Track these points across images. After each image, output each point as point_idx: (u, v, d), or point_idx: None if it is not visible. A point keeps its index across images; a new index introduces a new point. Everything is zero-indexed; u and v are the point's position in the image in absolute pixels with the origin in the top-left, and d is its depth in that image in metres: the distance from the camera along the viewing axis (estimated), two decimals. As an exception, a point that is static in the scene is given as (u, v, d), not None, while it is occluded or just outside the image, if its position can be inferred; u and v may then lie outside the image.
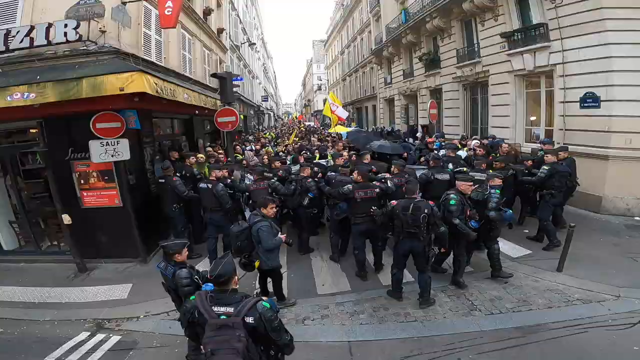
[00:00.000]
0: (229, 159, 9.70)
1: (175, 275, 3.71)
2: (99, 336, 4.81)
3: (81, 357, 4.39)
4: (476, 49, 12.74)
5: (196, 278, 3.76)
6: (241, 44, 24.40)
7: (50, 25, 5.99)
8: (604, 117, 8.10)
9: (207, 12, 13.95)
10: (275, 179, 6.89)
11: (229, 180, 6.73)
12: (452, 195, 4.92)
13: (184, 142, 10.45)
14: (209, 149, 10.52)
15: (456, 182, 5.17)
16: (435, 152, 9.37)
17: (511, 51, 10.72)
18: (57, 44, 6.01)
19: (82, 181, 6.36)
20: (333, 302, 5.29)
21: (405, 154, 9.47)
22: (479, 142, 9.66)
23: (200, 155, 8.50)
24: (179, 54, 10.49)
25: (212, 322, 2.36)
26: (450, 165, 7.42)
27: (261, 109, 35.93)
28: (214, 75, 9.72)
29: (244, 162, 8.01)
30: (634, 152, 7.78)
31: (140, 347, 4.57)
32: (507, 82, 11.13)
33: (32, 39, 5.97)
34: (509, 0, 10.90)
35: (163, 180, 6.63)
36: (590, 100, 8.32)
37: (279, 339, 2.51)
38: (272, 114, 53.59)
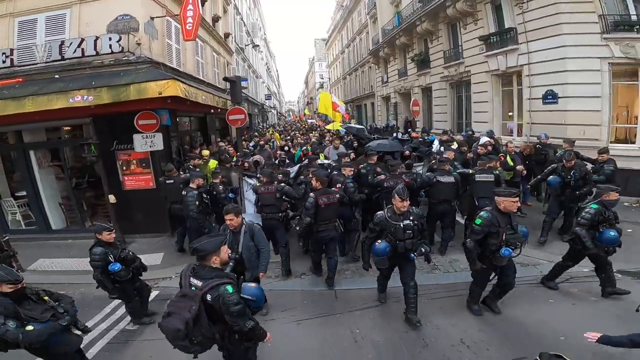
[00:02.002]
0: (237, 152, 10.96)
1: (91, 251, 4.26)
2: None
3: None
4: (460, 51, 14.07)
5: (110, 258, 4.28)
6: (245, 45, 25.72)
7: (97, 38, 7.46)
8: (561, 111, 9.45)
9: (216, 19, 15.30)
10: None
11: (221, 187, 6.83)
12: (483, 214, 4.08)
13: (199, 137, 11.88)
14: (221, 143, 11.88)
15: (495, 197, 4.10)
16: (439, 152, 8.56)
17: (488, 53, 12.06)
18: (103, 54, 7.46)
19: (124, 168, 7.81)
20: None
21: (408, 152, 8.97)
22: (487, 139, 8.99)
23: (205, 153, 8.83)
24: (194, 59, 11.89)
25: (181, 290, 2.69)
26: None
27: (265, 107, 37.20)
28: (225, 79, 11.09)
29: (246, 164, 7.93)
30: (587, 142, 9.00)
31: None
32: (486, 81, 12.48)
33: (83, 50, 7.44)
34: (486, 6, 12.23)
35: (172, 181, 7.04)
36: (550, 97, 9.66)
37: (235, 323, 2.60)
38: (275, 111, 54.81)
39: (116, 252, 4.37)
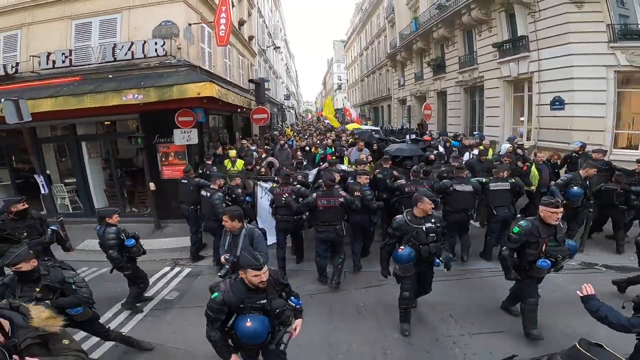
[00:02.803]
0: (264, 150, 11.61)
1: (104, 232, 4.70)
2: (177, 269, 6.90)
3: (168, 280, 6.44)
4: (474, 57, 14.64)
5: (122, 236, 4.76)
6: (267, 47, 26.67)
7: (145, 42, 8.41)
8: (568, 117, 9.98)
9: (241, 22, 16.22)
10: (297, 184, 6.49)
11: (240, 190, 6.68)
12: (522, 222, 3.93)
13: (225, 134, 12.81)
14: (244, 141, 12.71)
15: (540, 206, 3.89)
16: (459, 158, 8.06)
17: (501, 59, 12.63)
18: (149, 57, 8.42)
19: (163, 159, 8.76)
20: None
21: (432, 156, 8.73)
22: (509, 146, 8.97)
23: (232, 153, 8.80)
24: (223, 62, 12.83)
25: None
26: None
27: (284, 107, 38.13)
28: (250, 80, 12.01)
29: (263, 170, 7.85)
30: (593, 147, 9.53)
31: (204, 274, 6.55)
32: (498, 87, 13.05)
33: (132, 52, 8.41)
34: (500, 14, 12.79)
35: (185, 182, 6.98)
36: (557, 103, 10.20)
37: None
38: (293, 111, 55.70)
39: (124, 232, 4.84)
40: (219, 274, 4.05)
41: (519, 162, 7.90)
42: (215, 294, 2.75)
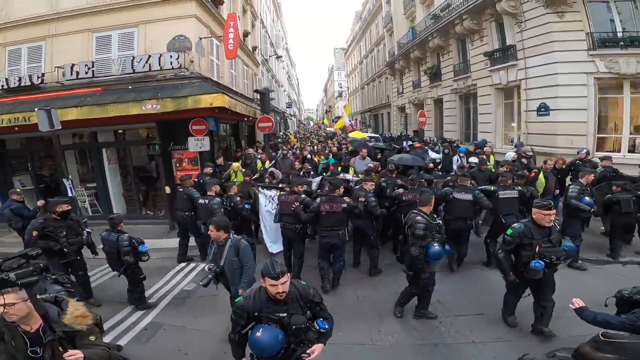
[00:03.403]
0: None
1: (118, 239, 5.08)
2: (191, 265, 7.41)
3: (185, 273, 6.99)
4: (468, 65, 15.38)
5: (134, 241, 5.16)
6: (269, 57, 27.53)
7: (161, 55, 9.17)
8: (553, 122, 10.68)
9: (246, 34, 17.05)
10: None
11: (238, 198, 6.71)
12: (515, 225, 4.14)
13: (232, 141, 13.56)
14: (250, 150, 12.84)
15: (532, 209, 4.08)
16: (464, 165, 8.39)
17: (492, 68, 13.35)
18: (165, 69, 9.20)
19: (177, 164, 9.49)
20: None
21: (432, 165, 9.00)
22: (514, 155, 9.08)
23: (235, 165, 8.99)
24: (229, 72, 13.62)
25: None
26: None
27: (286, 115, 38.92)
28: (256, 91, 12.79)
29: (267, 180, 7.95)
30: (574, 150, 10.15)
31: (216, 272, 7.33)
32: (490, 94, 13.75)
33: (150, 65, 9.17)
34: (491, 24, 13.55)
35: (181, 190, 7.17)
36: (543, 110, 10.91)
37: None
38: (295, 119, 56.53)
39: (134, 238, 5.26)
40: (201, 282, 4.12)
41: (523, 170, 7.61)
42: (239, 298, 2.84)
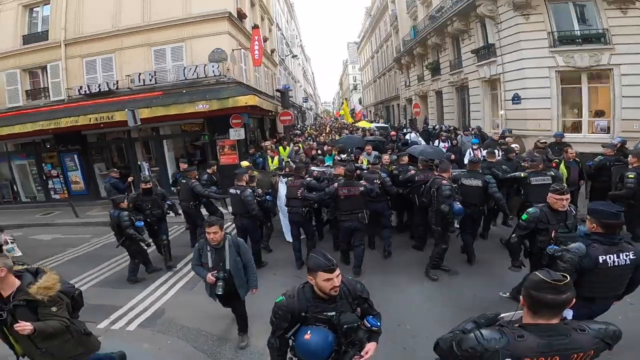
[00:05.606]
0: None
1: (119, 215, 5.74)
2: None
3: None
4: (461, 61, 17.48)
5: (132, 217, 5.80)
6: (285, 56, 29.87)
7: (205, 65, 11.85)
8: (523, 109, 12.84)
9: (265, 39, 19.54)
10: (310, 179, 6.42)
11: (260, 191, 6.57)
12: (530, 209, 4.08)
13: (258, 132, 16.25)
14: (267, 142, 14.35)
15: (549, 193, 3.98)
16: (475, 152, 8.83)
17: (478, 63, 15.47)
18: (209, 76, 11.88)
19: (220, 150, 12.22)
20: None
21: (453, 156, 9.09)
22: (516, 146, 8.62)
23: (244, 164, 9.47)
24: (254, 75, 16.27)
25: None
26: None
27: (303, 109, 41.33)
28: (277, 90, 15.35)
29: (287, 169, 8.20)
30: (542, 132, 12.12)
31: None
32: (478, 87, 15.88)
33: (197, 73, 11.87)
34: (477, 25, 15.62)
35: (184, 181, 7.48)
36: (516, 99, 13.06)
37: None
38: (311, 112, 58.73)
39: (134, 215, 6.01)
40: (218, 292, 3.76)
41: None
42: (280, 297, 2.45)
